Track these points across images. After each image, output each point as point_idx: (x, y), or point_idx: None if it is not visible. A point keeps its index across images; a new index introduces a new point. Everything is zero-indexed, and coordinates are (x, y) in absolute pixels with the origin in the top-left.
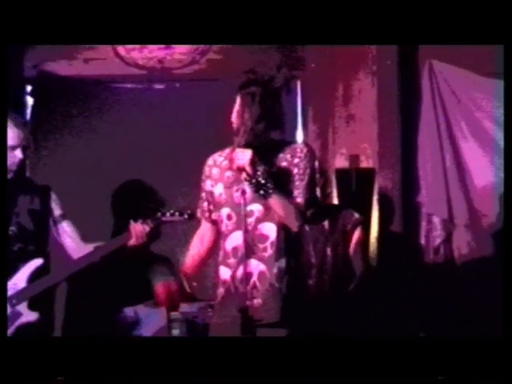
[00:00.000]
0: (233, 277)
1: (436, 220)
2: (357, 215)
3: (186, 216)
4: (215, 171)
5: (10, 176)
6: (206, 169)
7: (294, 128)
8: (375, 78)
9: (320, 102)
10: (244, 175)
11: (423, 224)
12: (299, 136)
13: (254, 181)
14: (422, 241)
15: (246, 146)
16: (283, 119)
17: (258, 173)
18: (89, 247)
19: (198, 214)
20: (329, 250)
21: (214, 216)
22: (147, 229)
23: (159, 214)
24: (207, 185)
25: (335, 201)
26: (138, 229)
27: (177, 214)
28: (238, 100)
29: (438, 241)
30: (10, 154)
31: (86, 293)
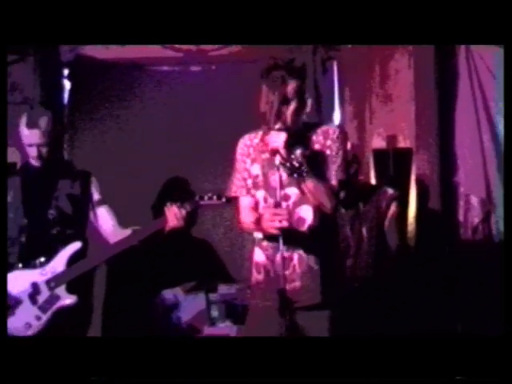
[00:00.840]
0: (272, 260)
1: (474, 199)
2: (391, 191)
3: (223, 199)
4: (252, 151)
5: (39, 165)
6: (244, 148)
7: (331, 109)
8: (412, 58)
9: (357, 83)
10: (278, 158)
11: (461, 203)
12: (336, 117)
13: (288, 164)
14: (461, 219)
15: (282, 129)
16: (320, 99)
17: (293, 156)
18: (126, 232)
19: (239, 192)
20: (365, 230)
21: (253, 193)
22: (184, 212)
23: (197, 197)
24: (247, 163)
25: (373, 181)
26: (174, 212)
27: (215, 197)
28: (263, 88)
29: (476, 220)
30: (28, 149)
31: (126, 276)
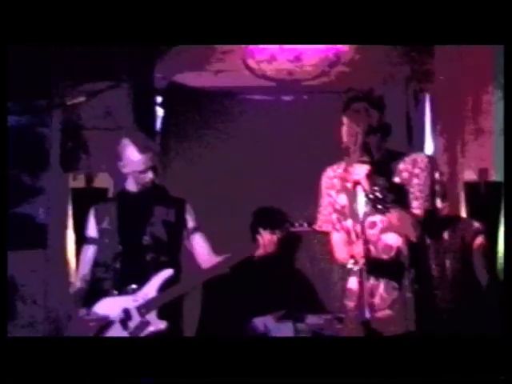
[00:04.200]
0: (361, 288)
1: None
2: (477, 224)
3: (314, 227)
4: (336, 182)
5: (141, 190)
6: (328, 181)
7: (422, 141)
8: (504, 90)
9: (448, 115)
10: (361, 190)
11: None
12: (428, 149)
13: (371, 196)
14: None
15: (365, 161)
16: (411, 131)
17: (376, 188)
18: (219, 259)
19: (325, 226)
20: (448, 262)
21: (338, 227)
22: (275, 238)
23: (288, 224)
24: (332, 196)
25: (463, 214)
26: (267, 238)
27: (305, 224)
28: (345, 120)
29: None
30: (140, 176)
31: (219, 302)
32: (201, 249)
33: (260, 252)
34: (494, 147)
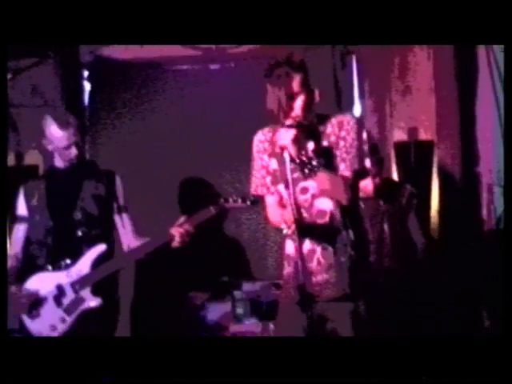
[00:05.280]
0: (296, 253)
1: (497, 190)
2: (410, 188)
3: (248, 202)
4: (267, 146)
5: (69, 166)
6: (259, 144)
7: (351, 103)
8: (431, 50)
9: (376, 76)
10: (287, 155)
11: (484, 194)
12: (356, 110)
13: (297, 160)
14: (484, 211)
15: (292, 125)
16: (339, 93)
17: (302, 151)
18: (143, 241)
19: (260, 190)
20: (386, 226)
21: (272, 190)
22: (184, 232)
23: (222, 200)
24: (264, 160)
25: (394, 174)
26: (178, 232)
27: (239, 200)
28: (268, 86)
29: (499, 210)
30: (65, 152)
31: (153, 276)
32: (123, 229)
33: (175, 244)
34: (422, 106)
